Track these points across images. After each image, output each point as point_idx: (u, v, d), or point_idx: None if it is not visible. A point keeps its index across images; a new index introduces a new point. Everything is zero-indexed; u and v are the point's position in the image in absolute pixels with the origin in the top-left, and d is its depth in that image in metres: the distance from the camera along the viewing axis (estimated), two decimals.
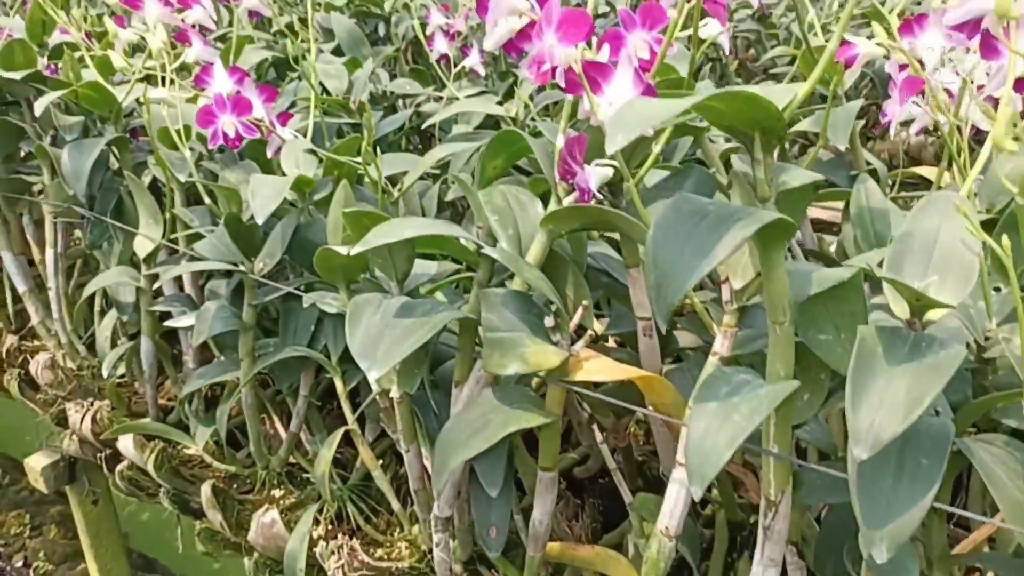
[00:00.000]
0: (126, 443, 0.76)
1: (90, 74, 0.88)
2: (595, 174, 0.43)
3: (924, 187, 0.87)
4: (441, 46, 1.05)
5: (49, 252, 0.87)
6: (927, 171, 0.80)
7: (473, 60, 1.03)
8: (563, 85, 0.42)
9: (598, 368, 0.43)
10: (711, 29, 0.49)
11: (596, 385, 0.47)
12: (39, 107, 0.75)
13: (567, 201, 0.45)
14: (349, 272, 0.58)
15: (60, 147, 0.85)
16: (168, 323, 0.72)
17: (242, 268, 0.65)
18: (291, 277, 0.69)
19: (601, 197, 0.43)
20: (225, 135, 0.70)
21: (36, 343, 0.98)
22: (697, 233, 0.32)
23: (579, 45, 0.40)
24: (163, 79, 0.72)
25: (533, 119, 0.80)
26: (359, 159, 0.71)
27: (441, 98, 1.05)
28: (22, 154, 0.99)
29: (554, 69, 0.41)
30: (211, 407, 0.80)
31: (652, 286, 0.32)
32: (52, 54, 1.02)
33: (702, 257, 0.31)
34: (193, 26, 0.77)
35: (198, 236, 0.73)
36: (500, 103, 0.91)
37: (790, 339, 0.35)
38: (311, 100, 0.78)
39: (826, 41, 0.71)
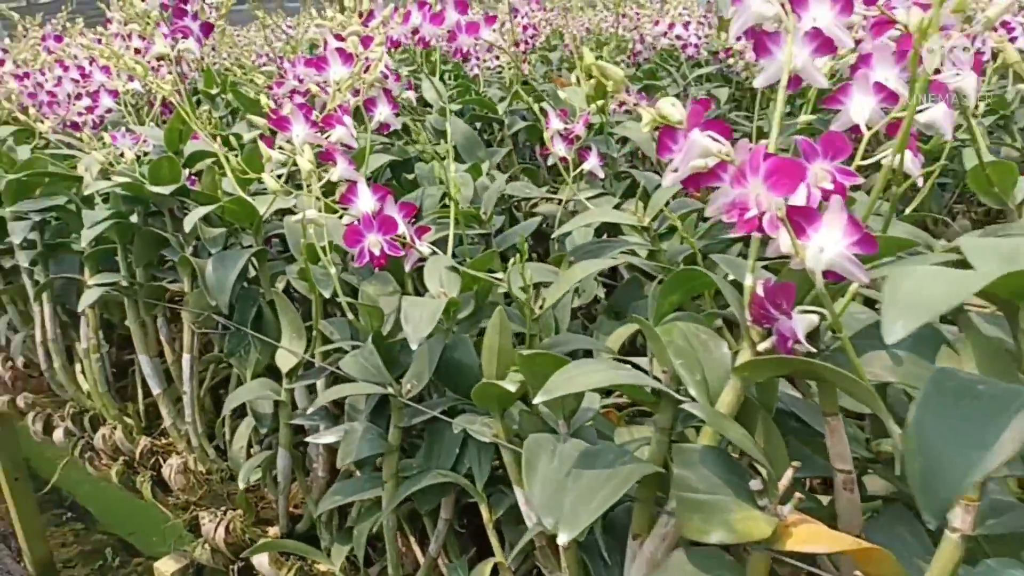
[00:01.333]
0: (261, 559, 0.75)
1: (227, 183, 0.91)
2: (802, 323, 0.40)
3: None
4: (560, 150, 1.05)
5: (186, 357, 0.90)
6: None
7: (592, 163, 1.03)
8: (768, 231, 0.39)
9: (810, 536, 0.39)
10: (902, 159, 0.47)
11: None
12: (189, 223, 0.78)
13: (763, 346, 0.42)
14: (505, 401, 0.57)
15: (201, 256, 0.88)
16: (309, 439, 0.72)
17: (391, 391, 0.64)
18: (434, 396, 0.68)
19: (808, 348, 0.40)
20: (371, 253, 0.70)
21: (165, 442, 0.99)
22: (971, 419, 0.28)
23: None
24: (306, 193, 0.74)
25: (669, 230, 0.78)
26: (499, 276, 0.71)
27: (555, 199, 1.06)
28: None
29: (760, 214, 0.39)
30: (342, 518, 0.79)
31: (918, 476, 0.29)
32: (188, 161, 1.07)
33: (983, 449, 0.28)
34: (335, 144, 0.79)
35: (338, 349, 0.73)
36: (618, 205, 0.91)
37: None
38: (450, 214, 0.79)
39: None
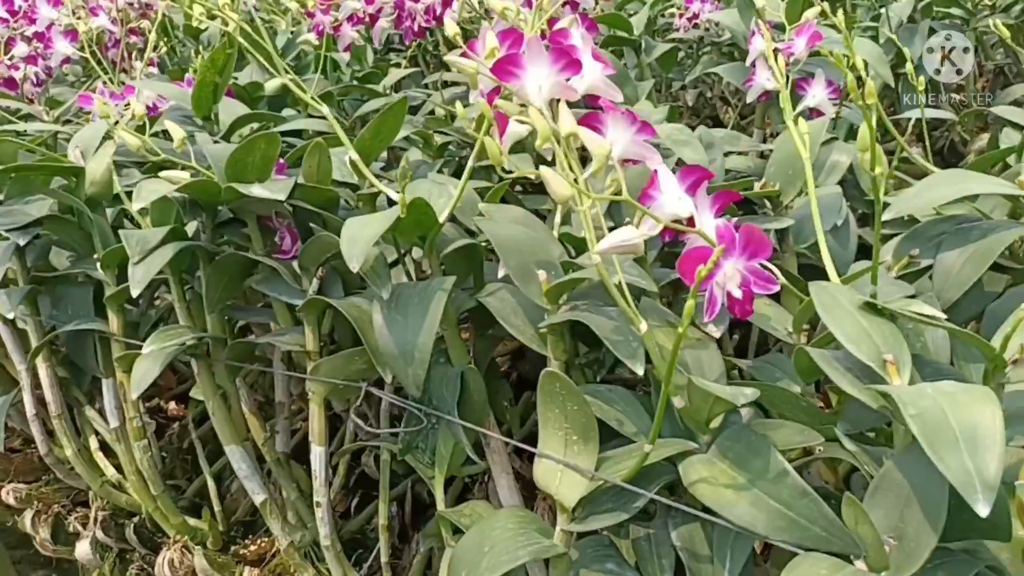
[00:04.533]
0: None
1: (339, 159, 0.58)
2: None
3: None
4: (765, 80, 0.74)
5: (316, 451, 0.56)
6: None
7: (818, 96, 0.74)
8: None
9: None
10: None
11: None
12: (358, 260, 0.43)
13: None
14: None
15: (332, 294, 0.54)
16: None
17: (862, 566, 0.34)
18: None
19: None
20: (730, 296, 0.40)
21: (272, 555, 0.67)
22: None
23: None
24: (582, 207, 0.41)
25: None
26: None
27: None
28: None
29: None
30: None
31: None
32: (229, 131, 0.72)
33: None
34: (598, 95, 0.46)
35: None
36: None
37: None
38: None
39: None
